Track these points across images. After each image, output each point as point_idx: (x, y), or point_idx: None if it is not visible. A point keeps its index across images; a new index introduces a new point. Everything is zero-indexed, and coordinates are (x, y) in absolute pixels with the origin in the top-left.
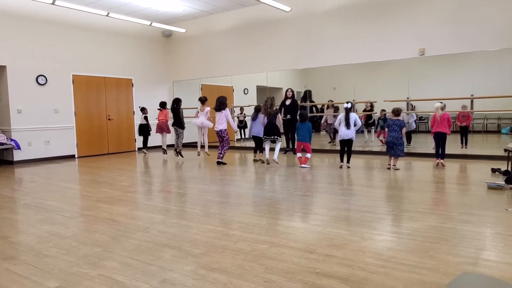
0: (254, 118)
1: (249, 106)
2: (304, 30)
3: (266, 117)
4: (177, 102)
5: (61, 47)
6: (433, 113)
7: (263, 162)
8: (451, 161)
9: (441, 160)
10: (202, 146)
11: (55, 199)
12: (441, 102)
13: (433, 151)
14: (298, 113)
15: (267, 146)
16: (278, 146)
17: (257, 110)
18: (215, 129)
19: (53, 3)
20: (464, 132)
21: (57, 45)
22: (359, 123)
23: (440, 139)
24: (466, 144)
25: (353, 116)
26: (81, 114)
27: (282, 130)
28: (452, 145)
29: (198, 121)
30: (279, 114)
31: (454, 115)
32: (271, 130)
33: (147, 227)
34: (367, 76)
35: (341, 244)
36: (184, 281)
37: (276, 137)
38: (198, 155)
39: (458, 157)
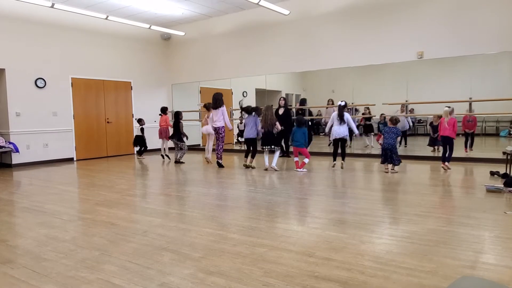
0: (245, 120)
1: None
2: (303, 33)
3: (262, 125)
4: (177, 115)
5: (60, 50)
6: (432, 115)
7: (253, 167)
8: (450, 164)
9: (447, 163)
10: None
11: (54, 202)
12: (449, 107)
13: (431, 154)
14: (292, 120)
15: (266, 156)
16: (276, 154)
17: (250, 111)
18: (213, 125)
19: (52, 6)
20: (470, 136)
21: (56, 48)
22: (352, 123)
23: (446, 143)
24: (471, 146)
25: (347, 114)
26: (79, 117)
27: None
28: (456, 148)
29: (205, 129)
30: (277, 123)
31: (459, 118)
32: (269, 139)
33: (145, 230)
34: (365, 79)
35: (340, 248)
36: (183, 284)
37: (274, 146)
38: (207, 160)
39: (457, 159)
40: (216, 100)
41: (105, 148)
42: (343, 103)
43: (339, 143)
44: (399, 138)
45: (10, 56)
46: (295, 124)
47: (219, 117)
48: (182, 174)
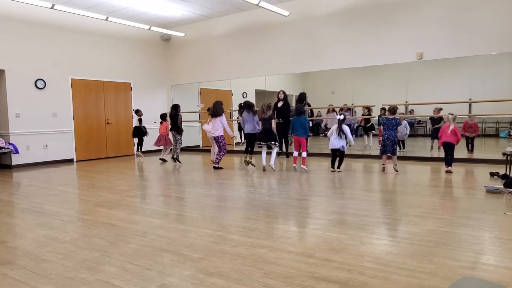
0: (243, 115)
1: None
2: (303, 35)
3: (260, 120)
4: (175, 108)
5: (60, 51)
6: (429, 116)
7: (253, 165)
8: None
9: (449, 167)
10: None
11: (53, 203)
12: (452, 114)
13: (430, 155)
14: (290, 115)
15: (263, 152)
16: (274, 152)
17: (246, 107)
18: (212, 135)
19: (52, 8)
20: (471, 140)
21: (56, 49)
22: (350, 137)
23: (448, 148)
24: (472, 150)
25: (345, 128)
26: (79, 118)
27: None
28: (457, 150)
29: (207, 128)
30: (274, 119)
31: (459, 124)
32: (266, 135)
33: (145, 231)
34: (365, 80)
35: (340, 248)
36: (183, 286)
37: (272, 142)
38: (212, 162)
39: (457, 160)
40: (215, 110)
41: (105, 149)
42: (341, 117)
43: (337, 152)
44: (399, 128)
45: (10, 57)
46: (294, 113)
47: (218, 126)
48: (181, 175)
